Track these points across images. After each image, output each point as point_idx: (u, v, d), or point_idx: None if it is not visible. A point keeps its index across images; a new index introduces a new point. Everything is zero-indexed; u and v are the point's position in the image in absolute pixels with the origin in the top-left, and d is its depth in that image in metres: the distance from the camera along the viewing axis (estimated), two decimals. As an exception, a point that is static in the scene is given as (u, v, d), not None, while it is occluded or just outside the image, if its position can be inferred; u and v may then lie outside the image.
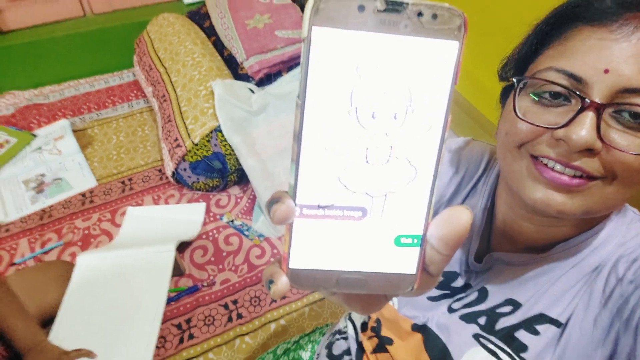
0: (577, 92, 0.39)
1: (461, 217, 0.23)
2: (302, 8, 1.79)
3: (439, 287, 0.58)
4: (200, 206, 1.43)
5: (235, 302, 1.17)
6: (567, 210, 0.42)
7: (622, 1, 0.39)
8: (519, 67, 0.48)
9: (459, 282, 0.58)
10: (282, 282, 0.23)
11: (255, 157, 1.33)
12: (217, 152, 1.36)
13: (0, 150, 1.57)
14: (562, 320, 0.46)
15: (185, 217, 1.39)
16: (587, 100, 0.38)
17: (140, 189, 1.50)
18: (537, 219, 0.49)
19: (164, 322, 1.09)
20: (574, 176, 0.40)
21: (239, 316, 1.14)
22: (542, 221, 0.48)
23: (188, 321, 1.12)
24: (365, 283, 0.24)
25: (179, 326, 1.11)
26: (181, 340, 1.08)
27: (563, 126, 0.39)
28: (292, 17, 1.59)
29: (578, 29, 0.41)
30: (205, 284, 1.21)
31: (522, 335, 0.48)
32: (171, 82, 1.58)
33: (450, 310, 0.55)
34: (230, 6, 1.66)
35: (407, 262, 0.23)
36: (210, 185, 1.44)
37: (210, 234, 1.34)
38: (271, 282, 0.24)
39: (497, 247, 0.56)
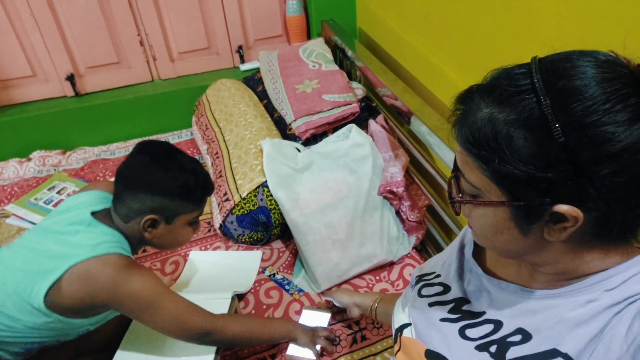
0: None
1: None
2: (349, 74, 1.90)
3: (450, 312, 0.65)
4: (257, 254, 1.48)
5: (273, 356, 1.17)
6: (474, 239, 0.61)
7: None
8: None
9: (468, 307, 0.63)
10: None
11: (298, 211, 1.38)
12: (263, 206, 1.43)
13: (69, 199, 1.72)
14: (572, 354, 0.48)
15: (242, 264, 1.46)
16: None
17: (189, 239, 1.57)
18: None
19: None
20: None
21: (276, 371, 1.13)
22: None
23: (225, 373, 1.12)
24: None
25: (216, 377, 1.11)
26: (217, 392, 1.08)
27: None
28: (339, 83, 1.69)
29: None
30: (244, 336, 1.22)
31: None
32: (224, 140, 1.70)
33: (465, 337, 0.59)
34: (282, 73, 1.80)
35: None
36: (255, 238, 1.49)
37: (252, 286, 1.37)
38: None
39: (517, 279, 0.61)
